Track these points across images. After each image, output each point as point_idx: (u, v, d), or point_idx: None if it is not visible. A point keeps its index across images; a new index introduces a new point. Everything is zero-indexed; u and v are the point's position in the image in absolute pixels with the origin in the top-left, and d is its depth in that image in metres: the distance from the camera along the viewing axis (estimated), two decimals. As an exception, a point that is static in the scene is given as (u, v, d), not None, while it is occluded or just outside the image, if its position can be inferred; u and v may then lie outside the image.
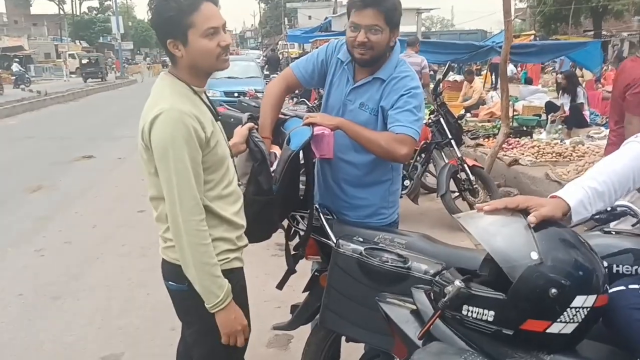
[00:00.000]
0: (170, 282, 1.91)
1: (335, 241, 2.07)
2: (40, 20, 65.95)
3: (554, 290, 1.27)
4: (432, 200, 6.18)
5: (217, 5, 1.77)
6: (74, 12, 69.94)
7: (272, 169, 2.05)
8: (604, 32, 25.03)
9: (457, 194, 5.62)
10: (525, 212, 1.42)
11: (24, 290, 4.26)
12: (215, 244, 1.79)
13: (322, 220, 2.25)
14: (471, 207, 5.51)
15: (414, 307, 1.65)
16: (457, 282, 1.39)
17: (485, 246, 1.38)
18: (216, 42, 1.73)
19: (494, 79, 17.39)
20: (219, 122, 1.90)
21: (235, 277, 1.88)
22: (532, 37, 19.11)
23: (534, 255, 1.29)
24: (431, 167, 6.26)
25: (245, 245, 1.97)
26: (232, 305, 1.81)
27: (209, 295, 1.76)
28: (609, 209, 1.94)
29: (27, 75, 33.10)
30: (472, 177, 5.49)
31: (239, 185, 1.99)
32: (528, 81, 15.34)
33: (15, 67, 33.90)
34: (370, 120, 2.28)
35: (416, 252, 1.99)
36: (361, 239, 2.02)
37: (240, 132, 2.11)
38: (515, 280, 1.30)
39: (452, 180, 5.54)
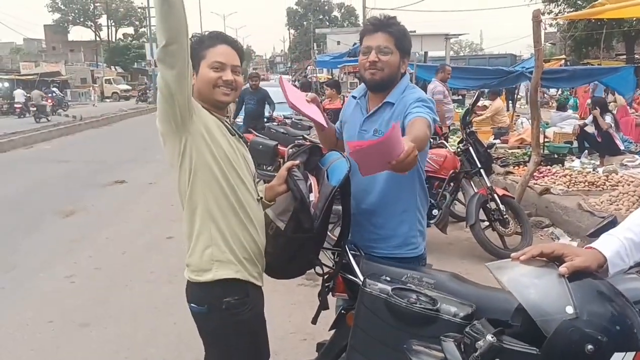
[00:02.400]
0: (192, 305, 2.02)
1: (362, 280, 2.04)
2: (78, 46, 68.02)
3: (590, 347, 1.22)
4: (461, 229, 6.08)
5: (237, 52, 2.03)
6: (110, 39, 72.12)
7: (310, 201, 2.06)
8: (636, 56, 24.59)
9: (486, 223, 5.53)
10: (560, 260, 1.38)
11: (53, 316, 4.31)
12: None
13: (349, 257, 2.22)
14: (501, 237, 5.41)
15: (442, 355, 1.61)
16: (489, 337, 1.34)
17: (518, 298, 1.34)
18: (219, 75, 1.98)
19: (511, 103, 17.26)
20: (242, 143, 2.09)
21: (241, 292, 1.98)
22: (563, 61, 18.92)
23: (569, 309, 1.25)
24: (460, 195, 6.18)
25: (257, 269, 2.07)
26: None
27: None
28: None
29: (65, 100, 34.15)
30: (502, 207, 5.40)
31: (280, 221, 2.07)
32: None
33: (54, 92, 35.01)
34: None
35: (445, 293, 1.94)
36: (388, 278, 1.98)
37: (279, 173, 2.16)
38: (549, 335, 1.25)
39: (481, 209, 5.45)
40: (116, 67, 60.36)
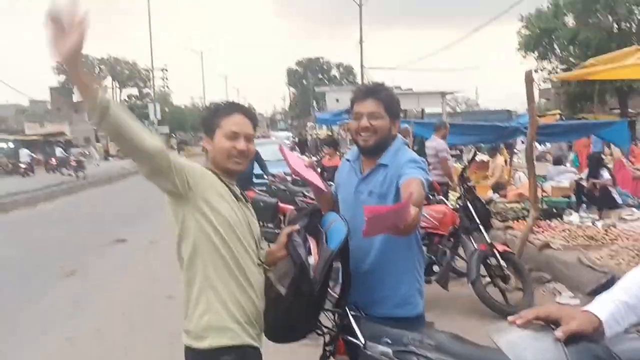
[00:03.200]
0: None
1: (363, 342, 2.06)
2: (82, 107, 69.24)
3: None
4: (463, 285, 6.05)
5: (251, 120, 2.12)
6: (114, 99, 73.44)
7: (312, 261, 2.10)
8: (630, 110, 25.05)
9: (488, 279, 5.52)
10: (556, 323, 1.41)
11: (53, 381, 4.26)
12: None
13: (350, 319, 2.25)
14: (503, 293, 5.39)
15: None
16: None
17: (514, 361, 1.37)
18: (233, 144, 2.07)
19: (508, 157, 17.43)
20: (248, 207, 2.17)
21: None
22: (558, 116, 19.26)
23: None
24: (461, 250, 6.19)
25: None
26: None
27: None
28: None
29: (69, 160, 34.53)
30: (502, 263, 5.41)
31: (281, 286, 2.11)
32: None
33: (58, 152, 35.48)
34: (379, 204, 2.34)
35: (446, 355, 1.96)
36: (390, 340, 2.00)
37: (279, 239, 2.20)
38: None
39: (482, 265, 5.46)
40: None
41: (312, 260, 2.09)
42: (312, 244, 2.20)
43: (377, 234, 2.06)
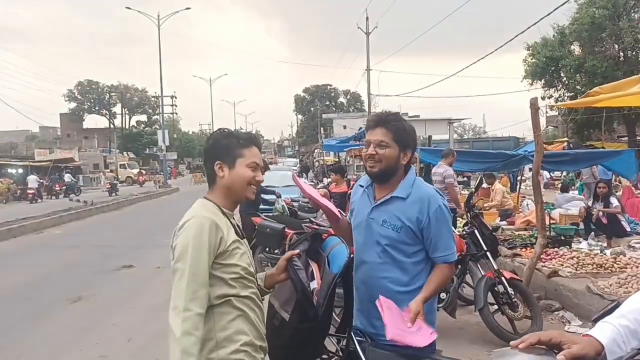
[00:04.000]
0: None
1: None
2: (92, 133, 70.15)
3: None
4: (471, 313, 6.01)
5: (261, 152, 2.20)
6: (123, 126, 74.37)
7: (315, 285, 2.12)
8: (638, 138, 25.01)
9: (495, 307, 5.48)
10: (558, 348, 1.41)
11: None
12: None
13: (356, 345, 2.24)
14: (511, 321, 5.35)
15: None
16: None
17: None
18: (254, 174, 2.13)
19: (511, 181, 17.46)
20: (245, 242, 2.16)
21: None
22: (565, 144, 19.27)
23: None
24: (468, 277, 6.16)
25: None
26: None
27: None
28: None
29: (77, 185, 34.94)
30: (510, 290, 5.37)
31: (284, 312, 2.14)
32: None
33: (67, 177, 35.83)
34: (393, 235, 2.41)
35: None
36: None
37: (279, 263, 2.23)
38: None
39: (490, 293, 5.42)
40: (128, 152, 61.90)
41: (314, 284, 2.10)
42: (315, 268, 2.22)
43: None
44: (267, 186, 13.18)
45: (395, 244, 2.40)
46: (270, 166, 16.91)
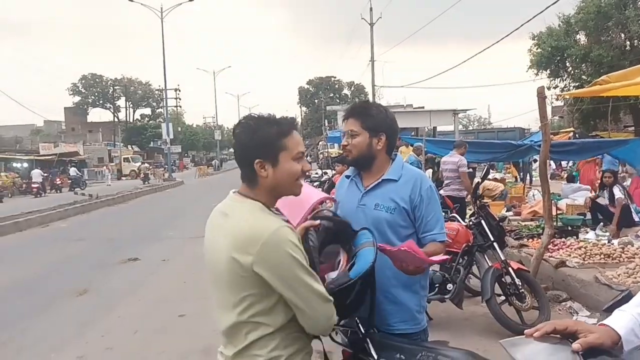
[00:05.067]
0: None
1: (376, 358, 2.02)
2: (96, 127, 70.29)
3: None
4: (477, 304, 5.97)
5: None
6: (127, 120, 74.48)
7: (334, 276, 2.00)
8: (645, 128, 24.81)
9: (503, 298, 5.43)
10: (574, 337, 1.38)
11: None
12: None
13: (363, 335, 2.21)
14: (518, 312, 5.30)
15: None
16: None
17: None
18: (301, 166, 1.86)
19: (521, 174, 17.37)
20: None
21: None
22: (571, 134, 19.15)
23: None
24: (475, 268, 6.11)
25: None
26: None
27: None
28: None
29: (82, 179, 35.06)
30: (517, 281, 5.32)
31: None
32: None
33: (72, 171, 35.93)
34: (387, 217, 2.41)
35: (461, 372, 1.92)
36: (403, 357, 1.97)
37: (297, 230, 1.97)
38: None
39: (497, 284, 5.38)
40: (132, 146, 62.01)
41: (333, 274, 2.02)
42: (344, 259, 2.08)
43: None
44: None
45: (389, 226, 2.39)
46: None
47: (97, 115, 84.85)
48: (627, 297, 2.24)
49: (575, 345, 1.33)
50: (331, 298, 1.79)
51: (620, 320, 1.41)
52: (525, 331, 1.45)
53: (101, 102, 78.58)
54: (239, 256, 1.71)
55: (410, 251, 2.14)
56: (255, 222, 1.75)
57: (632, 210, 8.45)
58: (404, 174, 2.48)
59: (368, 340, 2.18)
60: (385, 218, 2.40)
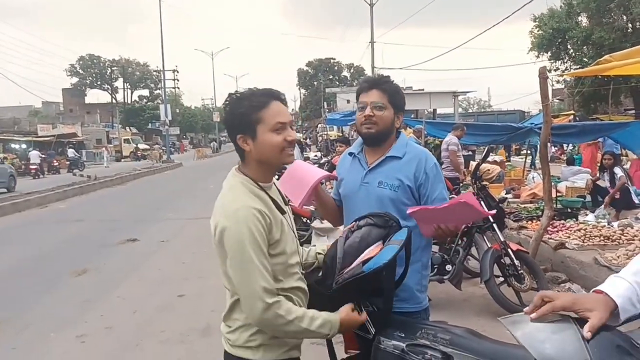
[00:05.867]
0: None
1: (375, 335, 2.01)
2: (94, 108, 70.01)
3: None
4: (476, 285, 5.99)
5: (285, 105, 1.93)
6: (125, 101, 74.12)
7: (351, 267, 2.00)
8: (646, 111, 24.74)
9: (502, 279, 5.44)
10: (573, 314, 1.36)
11: (64, 377, 4.25)
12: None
13: (361, 311, 2.19)
14: (517, 293, 5.31)
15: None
16: None
17: (533, 353, 1.32)
18: (283, 136, 1.85)
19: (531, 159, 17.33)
20: (287, 215, 2.00)
21: None
22: (572, 117, 19.09)
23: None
24: (474, 250, 6.12)
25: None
26: (344, 324, 1.91)
27: (321, 334, 1.87)
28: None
29: (81, 160, 35.00)
30: (516, 262, 5.33)
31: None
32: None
33: (70, 152, 35.84)
34: (391, 195, 2.38)
35: (461, 350, 1.91)
36: (402, 334, 1.95)
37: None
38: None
39: (496, 265, 5.38)
40: (131, 127, 61.79)
41: (358, 260, 2.01)
42: (377, 248, 2.05)
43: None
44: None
45: (393, 204, 2.36)
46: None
47: (95, 96, 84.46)
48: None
49: (586, 334, 1.30)
50: (267, 300, 1.76)
51: (617, 288, 1.39)
52: (525, 309, 1.43)
53: (99, 83, 78.16)
54: (213, 227, 1.84)
55: (470, 203, 2.16)
56: (227, 198, 1.86)
57: (632, 192, 8.44)
58: (408, 152, 2.45)
59: (367, 317, 2.17)
60: (388, 196, 2.38)
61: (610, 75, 15.56)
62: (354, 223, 2.20)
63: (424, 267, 2.51)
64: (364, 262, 1.97)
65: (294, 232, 2.03)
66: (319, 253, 2.21)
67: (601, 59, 5.41)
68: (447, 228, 2.23)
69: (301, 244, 2.22)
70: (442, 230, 2.24)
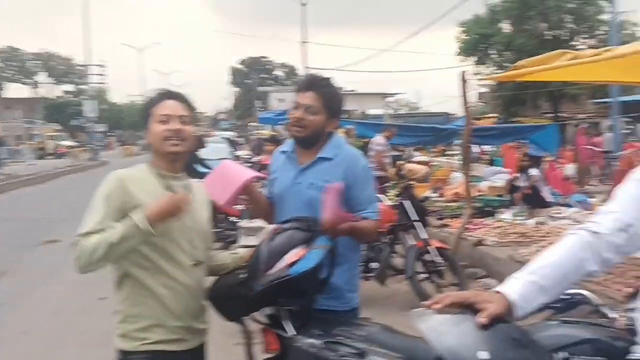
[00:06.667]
0: None
1: (291, 334, 2.05)
2: (14, 104, 66.22)
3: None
4: (400, 282, 6.15)
5: (183, 103, 2.16)
6: (48, 96, 70.59)
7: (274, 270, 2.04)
8: (561, 114, 26.20)
9: (424, 275, 5.64)
10: (473, 308, 1.45)
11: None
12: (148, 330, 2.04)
13: (280, 311, 2.22)
14: (439, 288, 5.52)
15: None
16: None
17: (435, 345, 1.40)
18: (166, 127, 2.07)
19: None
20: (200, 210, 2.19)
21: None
22: (495, 119, 19.95)
23: (484, 355, 1.31)
24: (400, 248, 6.29)
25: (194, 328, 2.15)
26: (155, 213, 1.96)
27: (133, 233, 1.95)
28: (565, 296, 1.99)
29: (1, 158, 32.96)
30: (438, 259, 5.54)
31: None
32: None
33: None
34: (320, 197, 2.35)
35: (376, 345, 1.98)
36: (320, 332, 2.00)
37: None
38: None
39: (419, 262, 5.57)
40: (55, 123, 58.92)
41: (282, 263, 2.05)
42: (301, 252, 2.09)
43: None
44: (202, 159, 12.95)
45: (317, 204, 2.34)
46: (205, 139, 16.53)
47: (16, 91, 79.95)
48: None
49: (482, 319, 1.40)
50: (81, 233, 2.03)
51: (512, 287, 1.49)
52: (423, 303, 1.52)
53: (19, 77, 74.05)
54: None
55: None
56: None
57: (545, 191, 8.93)
58: (340, 153, 2.45)
59: (285, 316, 2.20)
60: (318, 198, 2.36)
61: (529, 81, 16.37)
62: (278, 226, 2.23)
63: (354, 266, 2.53)
64: (290, 265, 2.01)
65: (203, 228, 2.19)
66: (235, 253, 2.25)
67: (517, 64, 5.70)
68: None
69: (229, 243, 2.31)
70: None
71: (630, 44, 5.16)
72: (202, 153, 9.83)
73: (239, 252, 2.33)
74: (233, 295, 2.12)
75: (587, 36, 24.36)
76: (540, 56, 5.30)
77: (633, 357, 1.51)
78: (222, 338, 3.94)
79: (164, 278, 2.03)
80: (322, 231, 2.18)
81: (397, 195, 6.16)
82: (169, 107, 2.11)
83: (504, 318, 1.44)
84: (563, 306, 1.94)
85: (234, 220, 7.88)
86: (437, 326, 1.45)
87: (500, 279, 6.03)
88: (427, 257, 5.57)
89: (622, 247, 1.50)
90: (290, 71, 73.43)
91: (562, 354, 1.67)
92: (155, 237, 1.97)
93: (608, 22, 15.63)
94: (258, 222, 6.77)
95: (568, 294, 1.96)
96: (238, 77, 76.93)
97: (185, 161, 2.19)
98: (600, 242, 1.49)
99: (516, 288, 1.49)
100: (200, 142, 9.64)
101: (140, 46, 63.29)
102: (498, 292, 1.50)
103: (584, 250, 1.50)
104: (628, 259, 4.46)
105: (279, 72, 77.57)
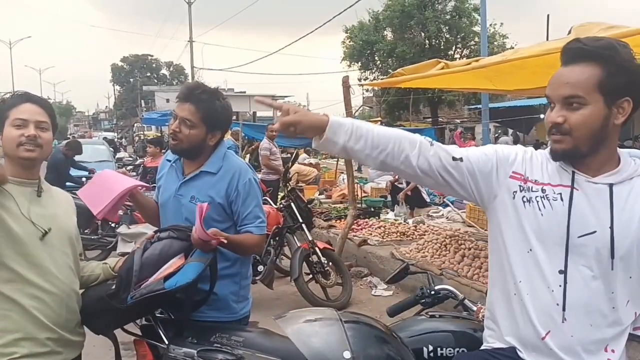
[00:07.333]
0: None
1: (166, 344, 1.98)
2: None
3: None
4: (288, 284, 6.19)
5: (44, 109, 2.03)
6: None
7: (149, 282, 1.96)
8: (440, 119, 27.88)
9: (310, 276, 5.71)
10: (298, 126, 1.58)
11: None
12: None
13: (155, 321, 2.14)
14: (324, 289, 5.62)
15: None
16: None
17: (300, 348, 1.41)
18: (21, 132, 1.95)
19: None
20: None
21: None
22: (379, 122, 20.76)
23: (347, 354, 1.34)
24: (287, 250, 6.33)
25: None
26: None
27: None
28: (432, 292, 2.11)
29: None
30: (323, 260, 5.63)
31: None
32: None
33: None
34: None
35: (253, 350, 1.96)
36: (195, 340, 1.95)
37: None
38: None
39: (305, 263, 5.63)
40: None
41: (157, 275, 1.95)
42: (177, 262, 2.03)
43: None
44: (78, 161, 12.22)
45: (204, 220, 2.27)
46: (81, 140, 15.61)
47: None
48: (406, 268, 2.52)
49: (276, 125, 1.60)
50: None
51: (339, 117, 1.63)
52: (269, 127, 1.58)
53: None
54: None
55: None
56: None
57: (423, 191, 9.42)
58: (224, 166, 2.38)
59: (160, 326, 2.13)
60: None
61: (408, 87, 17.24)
62: (153, 234, 2.14)
63: (243, 277, 2.48)
64: (166, 278, 1.93)
65: (69, 236, 2.07)
66: (105, 263, 2.15)
67: (395, 72, 5.96)
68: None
69: (108, 250, 2.21)
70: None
71: (496, 55, 5.58)
72: (81, 156, 9.40)
73: (108, 262, 2.20)
74: (102, 307, 2.00)
75: (460, 46, 26.14)
76: (416, 65, 5.60)
77: (484, 347, 1.62)
78: (101, 351, 3.73)
79: (29, 288, 1.88)
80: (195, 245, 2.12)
81: (282, 198, 6.20)
82: (26, 111, 1.99)
83: (370, 318, 1.49)
84: (431, 301, 2.05)
85: (114, 226, 7.52)
86: (302, 328, 1.47)
87: (383, 275, 6.29)
88: (313, 258, 5.65)
89: (443, 164, 1.63)
90: (177, 71, 71.47)
91: (430, 347, 1.76)
92: (19, 247, 1.86)
93: (479, 33, 16.81)
94: (138, 228, 6.53)
95: (435, 290, 2.08)
96: (120, 75, 73.57)
97: (56, 168, 2.06)
98: (432, 148, 1.63)
99: (341, 119, 1.61)
100: (77, 148, 9.10)
101: (9, 40, 58.42)
102: (326, 114, 1.62)
103: (415, 142, 1.63)
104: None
105: (165, 72, 75.18)
